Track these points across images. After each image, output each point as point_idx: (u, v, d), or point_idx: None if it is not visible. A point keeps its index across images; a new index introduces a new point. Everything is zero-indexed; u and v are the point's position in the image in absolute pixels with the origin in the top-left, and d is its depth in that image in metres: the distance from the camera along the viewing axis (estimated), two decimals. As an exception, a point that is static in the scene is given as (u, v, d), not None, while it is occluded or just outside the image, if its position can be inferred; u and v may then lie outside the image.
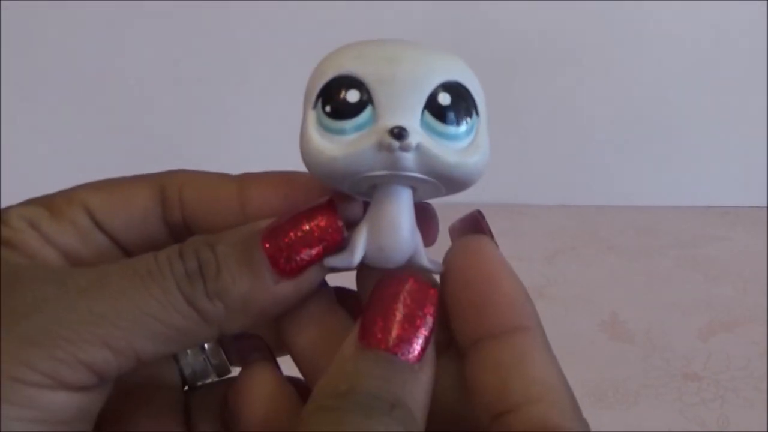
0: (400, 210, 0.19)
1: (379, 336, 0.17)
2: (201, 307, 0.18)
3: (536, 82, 0.74)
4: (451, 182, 0.18)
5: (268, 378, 0.20)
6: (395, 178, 0.18)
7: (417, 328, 0.18)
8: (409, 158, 0.17)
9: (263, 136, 0.76)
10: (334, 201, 0.19)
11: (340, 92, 0.18)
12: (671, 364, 0.50)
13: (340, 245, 0.19)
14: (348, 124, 0.18)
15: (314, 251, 0.19)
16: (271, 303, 0.18)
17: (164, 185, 0.21)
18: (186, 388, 0.23)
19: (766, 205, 0.74)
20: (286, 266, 0.18)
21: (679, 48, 0.73)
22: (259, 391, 0.20)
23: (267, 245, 0.18)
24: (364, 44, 0.18)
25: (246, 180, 0.21)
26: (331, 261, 0.19)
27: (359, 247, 0.19)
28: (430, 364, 0.18)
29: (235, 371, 0.23)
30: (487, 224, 0.20)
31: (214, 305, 0.18)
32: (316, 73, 0.19)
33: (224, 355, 0.23)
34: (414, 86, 0.17)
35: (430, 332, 0.18)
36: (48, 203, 0.20)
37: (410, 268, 0.19)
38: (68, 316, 0.17)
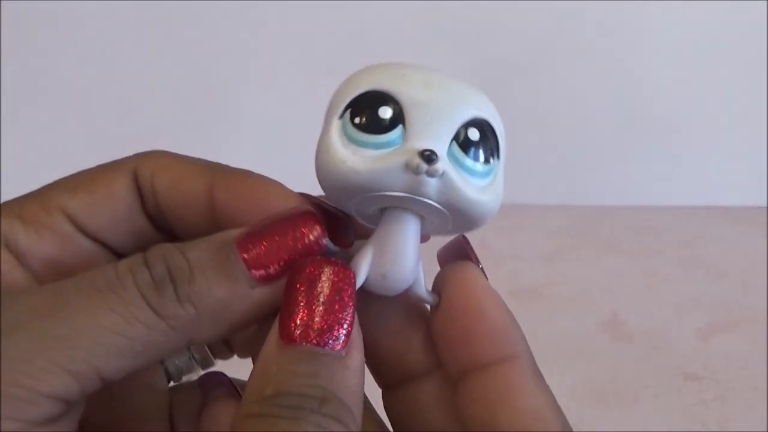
0: (409, 238, 0.18)
1: (299, 330, 0.16)
2: (169, 314, 0.17)
3: (536, 82, 0.74)
4: (463, 218, 0.18)
5: (232, 413, 0.19)
6: (411, 202, 0.18)
7: (337, 314, 0.17)
8: (432, 184, 0.17)
9: (263, 137, 0.76)
10: (316, 209, 0.18)
11: (373, 106, 0.17)
12: (671, 364, 0.50)
13: (321, 251, 0.18)
14: (376, 139, 0.17)
15: (293, 255, 0.18)
16: (249, 309, 0.17)
17: (137, 172, 0.20)
18: (170, 383, 0.22)
19: (766, 205, 0.74)
20: (263, 271, 0.17)
21: (680, 48, 0.73)
22: (224, 428, 0.19)
23: (243, 250, 0.17)
24: (402, 65, 0.18)
25: (216, 177, 0.20)
26: None
27: (362, 272, 0.18)
28: (357, 348, 0.17)
29: (219, 364, 0.23)
30: (472, 249, 0.20)
31: (185, 310, 0.17)
32: (347, 84, 0.18)
33: (207, 349, 0.22)
34: (447, 115, 0.17)
35: (352, 316, 0.17)
36: (22, 213, 0.19)
37: (405, 296, 0.19)
38: (20, 345, 0.15)
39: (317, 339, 0.16)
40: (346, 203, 0.18)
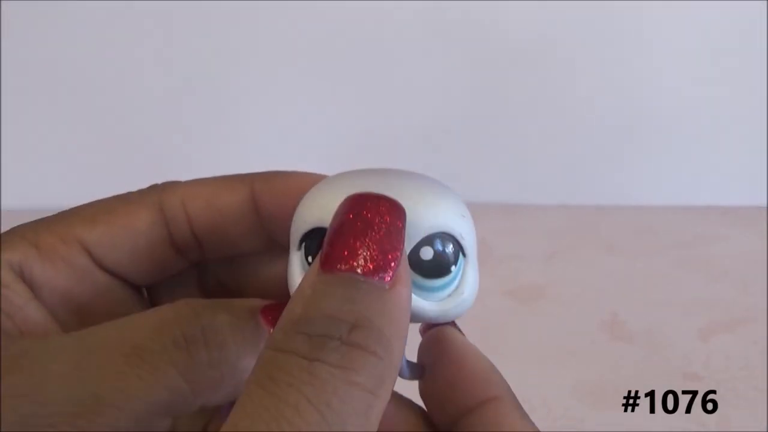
0: None
1: (342, 257, 0.15)
2: (195, 378, 0.16)
3: (536, 81, 0.74)
4: (436, 323, 0.19)
5: None
6: None
7: (384, 246, 0.16)
8: None
9: (264, 139, 0.76)
10: None
11: (320, 245, 0.16)
12: (671, 364, 0.50)
13: None
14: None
15: None
16: None
17: (163, 203, 0.20)
18: None
19: (766, 205, 0.74)
20: None
21: (680, 48, 0.73)
22: None
23: (267, 320, 0.17)
24: (341, 190, 0.17)
25: (256, 183, 0.20)
26: None
27: None
28: (404, 284, 0.16)
29: None
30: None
31: (211, 374, 0.17)
32: (298, 213, 0.18)
33: None
34: None
35: (401, 251, 0.16)
36: (39, 241, 0.19)
37: None
38: (43, 410, 0.15)
39: (360, 268, 0.15)
40: None
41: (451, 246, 0.18)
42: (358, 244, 0.15)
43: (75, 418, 0.15)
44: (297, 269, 0.18)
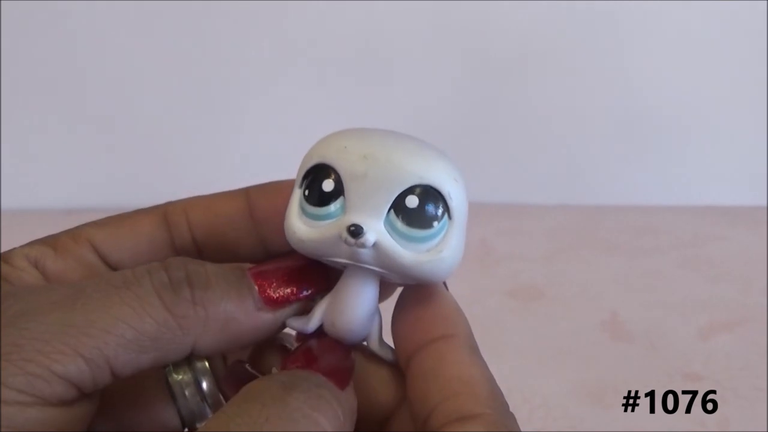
0: (359, 294, 0.20)
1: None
2: (181, 313, 0.18)
3: (536, 81, 0.74)
4: (409, 279, 0.19)
5: None
6: (357, 266, 0.19)
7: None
8: (366, 253, 0.18)
9: (263, 141, 0.76)
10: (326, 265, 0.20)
11: (318, 180, 0.19)
12: (671, 364, 0.50)
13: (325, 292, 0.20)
14: (320, 211, 0.19)
15: (302, 290, 0.20)
16: (250, 328, 0.19)
17: (167, 212, 0.22)
18: (186, 430, 0.23)
19: (766, 205, 0.74)
20: (272, 295, 0.19)
21: (680, 47, 0.73)
22: None
23: (254, 276, 0.19)
24: (350, 135, 0.19)
25: (251, 192, 0.22)
26: (291, 322, 0.20)
27: (316, 318, 0.20)
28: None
29: None
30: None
31: (195, 312, 0.18)
32: (308, 153, 0.20)
33: (221, 396, 0.23)
34: (383, 186, 0.18)
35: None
36: (53, 242, 0.21)
37: (362, 349, 0.20)
38: (39, 328, 0.17)
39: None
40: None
41: (437, 203, 0.19)
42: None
43: (66, 337, 0.17)
44: (294, 207, 0.19)
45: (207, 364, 0.22)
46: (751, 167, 0.76)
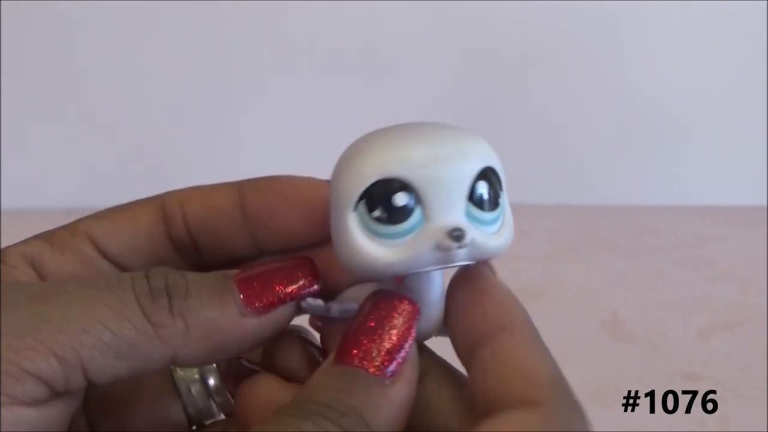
0: (435, 289, 0.19)
1: (354, 352, 0.18)
2: (159, 322, 0.17)
3: (536, 81, 0.74)
4: (477, 259, 0.19)
5: (271, 381, 0.20)
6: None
7: (393, 343, 0.18)
8: (462, 253, 0.18)
9: (262, 140, 0.76)
10: (311, 259, 0.20)
11: (387, 196, 0.18)
12: (671, 364, 0.50)
13: (310, 294, 0.19)
14: (399, 228, 0.18)
15: (287, 291, 0.19)
16: (235, 335, 0.18)
17: (164, 203, 0.21)
18: (194, 428, 0.23)
19: (766, 205, 0.74)
20: (255, 300, 0.19)
21: (680, 47, 0.73)
22: (263, 395, 0.20)
23: (239, 282, 0.19)
24: (399, 141, 0.18)
25: (244, 186, 0.21)
26: (310, 304, 0.19)
27: (345, 303, 0.19)
28: (405, 382, 0.18)
29: None
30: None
31: (174, 322, 0.18)
32: (350, 171, 0.18)
33: (229, 395, 0.23)
34: (459, 182, 0.18)
35: (407, 349, 0.18)
36: (51, 237, 0.21)
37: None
38: (13, 321, 0.16)
39: (365, 361, 0.17)
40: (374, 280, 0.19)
41: (497, 180, 0.19)
42: (366, 343, 0.18)
43: (41, 333, 0.16)
44: (357, 231, 0.18)
45: None
46: (751, 167, 0.76)
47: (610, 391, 0.47)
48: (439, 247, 0.17)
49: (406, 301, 0.18)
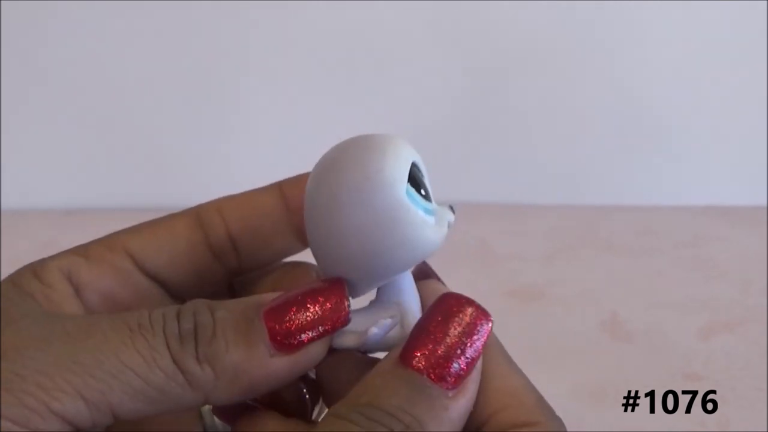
0: (413, 286, 0.20)
1: (419, 357, 0.17)
2: (188, 370, 0.17)
3: (536, 81, 0.74)
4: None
5: (273, 418, 0.20)
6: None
7: (460, 354, 0.17)
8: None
9: (264, 141, 0.76)
10: (343, 280, 0.19)
11: (420, 177, 0.18)
12: (671, 364, 0.50)
13: (344, 326, 0.19)
14: (432, 204, 0.19)
15: (317, 331, 0.18)
16: (264, 376, 0.18)
17: (199, 213, 0.21)
18: None
19: (766, 205, 0.74)
20: (284, 340, 0.18)
21: (680, 47, 0.73)
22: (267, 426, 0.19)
23: (269, 317, 0.18)
24: (381, 139, 0.19)
25: (284, 185, 0.21)
26: (343, 341, 0.19)
27: (373, 331, 0.19)
28: (466, 396, 0.17)
29: None
30: (432, 270, 0.21)
31: (202, 370, 0.17)
32: (386, 157, 0.18)
33: None
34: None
35: (474, 361, 0.17)
36: (87, 251, 0.21)
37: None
38: (45, 359, 0.16)
39: (431, 371, 0.17)
40: (387, 274, 0.19)
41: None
42: (437, 347, 0.17)
43: (70, 374, 0.16)
44: (420, 211, 0.18)
45: None
46: (751, 167, 0.76)
47: (610, 391, 0.47)
48: (450, 224, 0.18)
49: (481, 310, 0.18)
